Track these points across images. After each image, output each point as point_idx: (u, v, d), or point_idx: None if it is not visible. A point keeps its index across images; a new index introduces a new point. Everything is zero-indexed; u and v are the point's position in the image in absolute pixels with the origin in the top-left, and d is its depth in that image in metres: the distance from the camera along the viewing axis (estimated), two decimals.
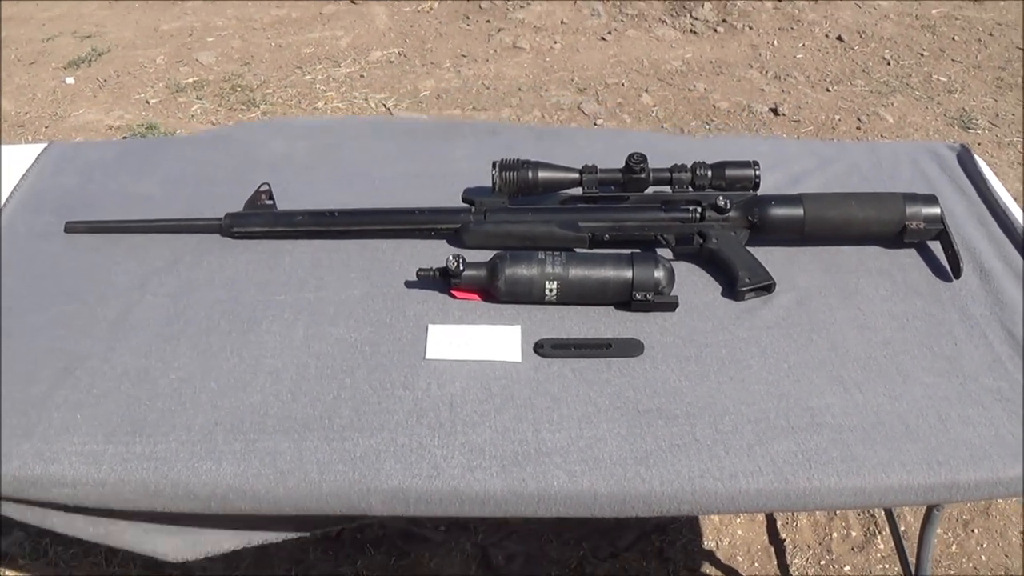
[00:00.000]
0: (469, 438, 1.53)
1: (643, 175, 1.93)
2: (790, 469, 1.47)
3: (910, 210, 1.89)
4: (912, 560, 2.12)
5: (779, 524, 2.70)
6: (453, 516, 1.49)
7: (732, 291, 1.82)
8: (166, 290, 1.85)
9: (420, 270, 1.79)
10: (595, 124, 4.48)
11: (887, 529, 2.64)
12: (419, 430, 1.54)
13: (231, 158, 2.29)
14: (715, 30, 5.34)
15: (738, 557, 2.64)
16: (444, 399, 1.60)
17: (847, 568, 2.62)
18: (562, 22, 5.48)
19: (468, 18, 5.57)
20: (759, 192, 1.96)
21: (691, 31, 5.36)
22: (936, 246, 1.93)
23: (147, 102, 4.82)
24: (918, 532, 2.04)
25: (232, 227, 1.98)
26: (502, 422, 1.56)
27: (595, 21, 5.44)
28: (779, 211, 1.90)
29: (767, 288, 1.82)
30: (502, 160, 1.95)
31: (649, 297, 1.74)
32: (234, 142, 2.37)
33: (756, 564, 2.62)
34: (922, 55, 5.06)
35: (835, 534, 2.68)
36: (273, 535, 1.62)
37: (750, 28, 5.35)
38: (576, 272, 1.75)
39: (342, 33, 5.44)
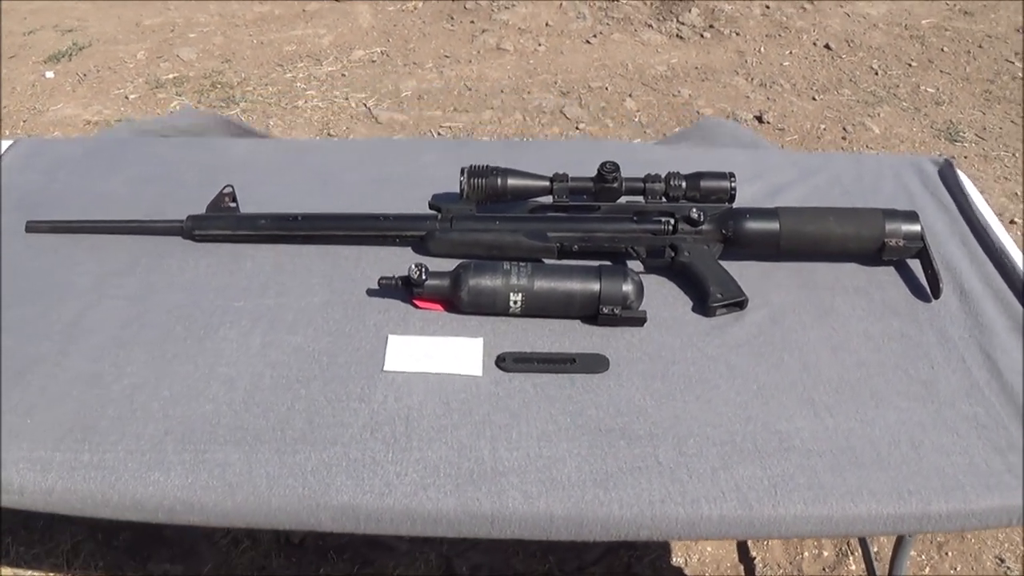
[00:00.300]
0: (424, 454, 1.48)
1: (615, 184, 1.89)
2: (755, 495, 1.42)
3: (890, 227, 1.84)
4: None
5: (750, 543, 2.66)
6: (405, 535, 1.43)
7: (703, 307, 1.77)
8: (124, 293, 1.80)
9: (382, 278, 1.74)
10: (577, 128, 4.44)
11: (860, 550, 2.59)
12: (373, 445, 1.49)
13: (199, 158, 2.25)
14: (702, 36, 5.30)
15: (707, 575, 2.58)
16: (400, 413, 1.55)
17: None
18: (547, 24, 5.44)
19: (452, 18, 5.53)
20: (735, 204, 1.90)
21: (677, 36, 5.32)
22: (916, 264, 1.88)
23: (126, 97, 4.77)
24: (890, 554, 1.99)
25: (193, 230, 1.93)
26: (459, 438, 1.51)
27: (580, 24, 5.40)
28: (754, 225, 1.85)
29: (739, 304, 1.77)
30: (471, 166, 1.90)
31: (616, 311, 1.69)
32: (202, 142, 2.33)
33: None
34: (910, 65, 5.02)
35: (807, 553, 2.63)
36: None
37: (737, 34, 5.32)
38: (542, 284, 1.70)
39: (325, 31, 5.40)
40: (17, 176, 2.17)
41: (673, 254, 1.85)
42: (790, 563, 2.62)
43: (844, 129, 4.45)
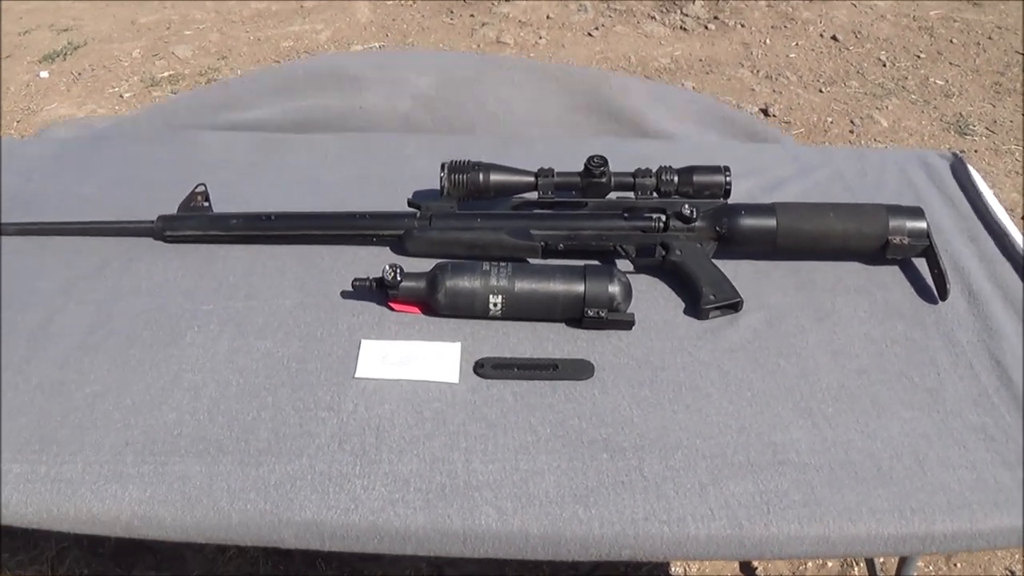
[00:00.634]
0: (394, 467, 1.40)
1: (603, 179, 1.80)
2: (745, 513, 1.33)
3: (893, 223, 1.75)
4: None
5: None
6: (372, 553, 1.35)
7: (695, 309, 1.68)
8: (92, 297, 1.73)
9: (356, 280, 1.66)
10: None
11: (864, 561, 2.50)
12: (340, 457, 1.41)
13: (173, 157, 2.18)
14: (706, 27, 5.22)
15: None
16: (371, 423, 1.47)
17: None
18: (548, 17, 5.36)
19: (451, 12, 5.45)
20: (731, 200, 1.81)
21: (681, 28, 5.24)
22: (922, 263, 1.79)
23: (121, 96, 4.72)
24: (896, 566, 1.91)
25: (164, 230, 1.86)
26: (431, 450, 1.42)
27: (582, 16, 5.32)
28: (750, 221, 1.76)
29: (733, 306, 1.68)
30: (451, 161, 1.81)
31: (602, 314, 1.60)
32: (177, 140, 2.25)
33: None
34: (919, 57, 4.93)
35: (810, 563, 2.54)
36: None
37: (742, 26, 5.23)
38: (523, 285, 1.61)
39: (323, 26, 5.33)
40: None
41: (664, 253, 1.76)
42: (792, 573, 2.54)
43: (851, 122, 4.37)
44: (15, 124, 4.53)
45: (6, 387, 1.54)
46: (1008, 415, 1.50)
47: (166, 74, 4.90)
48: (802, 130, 4.31)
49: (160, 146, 2.24)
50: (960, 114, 4.47)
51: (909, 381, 1.56)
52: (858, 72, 4.81)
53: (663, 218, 1.78)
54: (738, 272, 1.75)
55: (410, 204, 1.84)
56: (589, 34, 5.22)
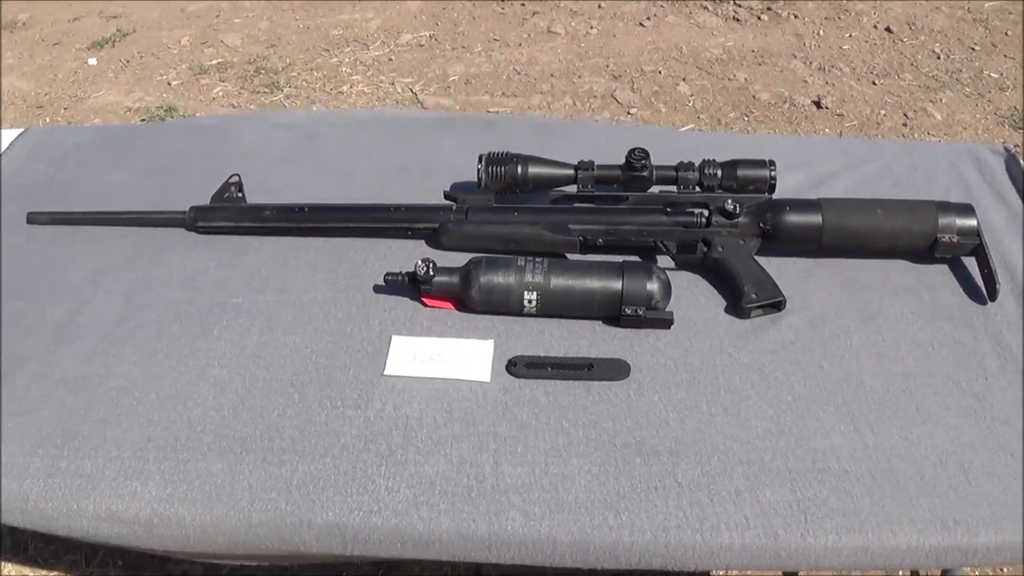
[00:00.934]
0: (420, 468, 1.36)
1: (645, 173, 1.75)
2: (782, 522, 1.28)
3: (943, 221, 1.69)
4: None
5: None
6: (395, 557, 1.31)
7: (736, 307, 1.63)
8: (121, 288, 1.72)
9: (388, 274, 1.62)
10: (628, 113, 4.31)
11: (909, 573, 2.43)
12: (365, 457, 1.38)
13: (207, 147, 2.15)
14: (759, 18, 5.14)
15: None
16: (398, 422, 1.44)
17: None
18: (599, 6, 5.30)
19: (503, 1, 5.40)
20: (776, 195, 1.75)
21: (734, 18, 5.16)
22: (971, 262, 1.72)
23: (169, 84, 4.71)
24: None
25: (197, 221, 1.83)
26: (459, 451, 1.39)
27: (634, 6, 5.25)
28: (794, 218, 1.70)
29: (776, 305, 1.63)
30: (489, 153, 1.77)
31: (640, 312, 1.56)
32: (211, 130, 2.22)
33: None
34: (973, 49, 4.83)
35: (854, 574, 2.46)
36: None
37: (795, 17, 5.15)
38: (558, 282, 1.57)
39: (373, 15, 5.30)
40: (23, 166, 2.10)
41: (706, 249, 1.71)
42: None
43: (905, 115, 4.28)
44: (63, 111, 4.54)
45: (31, 379, 1.53)
46: None
47: (214, 62, 4.89)
48: (855, 123, 4.23)
49: (193, 136, 2.22)
50: (1015, 107, 4.36)
51: (956, 386, 1.50)
52: (912, 64, 4.71)
53: (705, 213, 1.73)
54: (782, 270, 1.70)
55: (446, 196, 1.80)
56: (641, 24, 5.16)
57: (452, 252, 1.74)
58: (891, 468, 1.36)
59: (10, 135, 2.19)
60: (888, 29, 4.99)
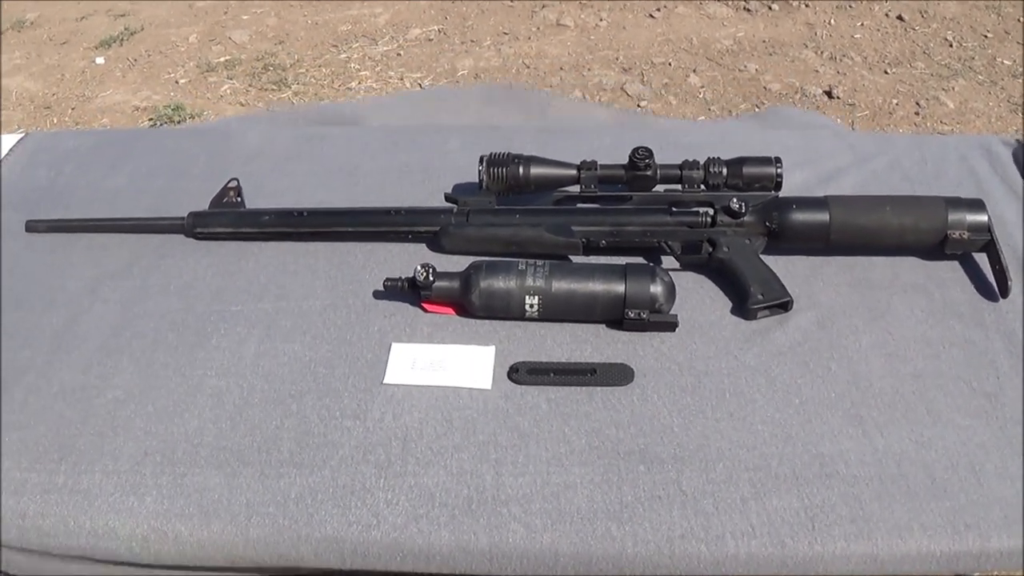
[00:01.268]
0: (419, 480, 1.34)
1: (649, 172, 1.72)
2: (789, 530, 1.26)
3: (953, 217, 1.65)
4: None
5: None
6: (395, 571, 1.28)
7: (742, 308, 1.60)
8: (118, 296, 1.70)
9: (388, 280, 1.60)
10: (639, 106, 4.28)
11: None
12: (364, 469, 1.36)
13: (207, 151, 2.12)
14: (769, 7, 5.10)
15: None
16: (397, 432, 1.42)
17: None
18: None
19: None
20: (783, 192, 1.72)
21: (744, 8, 5.11)
22: (983, 259, 1.69)
23: (176, 82, 4.69)
24: None
25: (195, 227, 1.81)
26: (459, 462, 1.37)
27: None
28: (801, 216, 1.67)
29: (783, 306, 1.60)
30: (490, 155, 1.74)
31: (644, 316, 1.53)
32: (212, 133, 2.20)
33: None
34: (986, 37, 4.78)
35: None
36: None
37: (806, 6, 5.10)
38: (560, 285, 1.54)
39: (381, 9, 5.27)
40: (23, 172, 2.08)
41: (711, 249, 1.68)
42: None
43: (917, 104, 4.24)
44: (70, 111, 4.52)
45: (28, 391, 1.52)
46: None
47: (222, 59, 4.87)
48: (867, 112, 4.19)
49: (194, 138, 2.21)
50: None
51: (967, 386, 1.48)
52: (924, 52, 4.67)
53: (710, 213, 1.70)
54: (788, 269, 1.67)
55: (447, 199, 1.78)
56: (651, 15, 5.12)
57: (453, 256, 1.72)
58: (901, 472, 1.34)
59: (10, 140, 2.17)
60: (900, 17, 4.94)
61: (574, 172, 1.74)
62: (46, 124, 4.35)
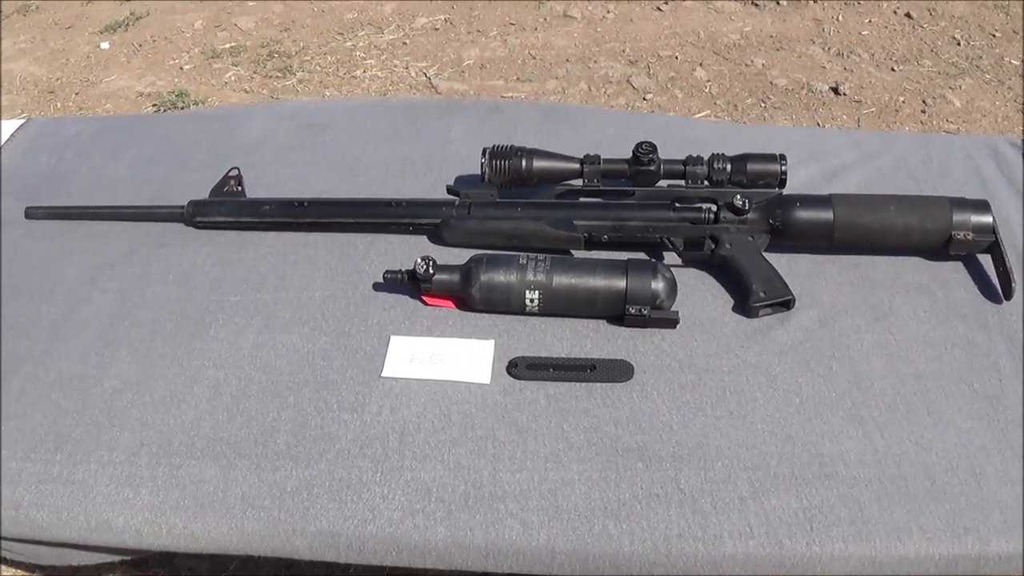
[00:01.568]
0: (416, 475, 1.34)
1: (652, 167, 1.71)
2: (787, 531, 1.25)
3: (957, 218, 1.64)
4: None
5: None
6: (391, 566, 1.28)
7: (744, 306, 1.60)
8: (117, 285, 1.69)
9: (387, 272, 1.59)
10: (644, 99, 4.26)
11: None
12: (360, 463, 1.35)
13: (208, 139, 2.11)
14: (778, 2, 5.08)
15: None
16: (395, 426, 1.41)
17: None
18: None
19: None
20: (787, 190, 1.71)
21: (752, 3, 5.09)
22: (987, 260, 1.67)
23: (181, 68, 4.68)
24: None
25: (195, 216, 1.80)
26: (456, 457, 1.36)
27: None
28: (805, 214, 1.66)
29: (785, 304, 1.59)
30: (493, 147, 1.73)
31: (645, 312, 1.52)
32: (214, 121, 2.19)
33: None
34: (994, 36, 4.76)
35: None
36: None
37: (815, 2, 5.08)
38: (561, 280, 1.53)
39: None
40: (23, 158, 2.07)
41: (713, 246, 1.67)
42: None
43: (924, 102, 4.22)
44: (74, 96, 4.51)
45: (26, 380, 1.51)
46: None
47: (227, 46, 4.85)
48: (873, 109, 4.17)
49: (196, 126, 2.18)
50: None
51: (968, 388, 1.47)
52: (931, 50, 4.65)
53: (714, 209, 1.69)
54: (791, 267, 1.66)
55: (449, 191, 1.77)
56: (658, 8, 5.10)
57: (454, 248, 1.71)
58: (900, 474, 1.33)
59: (11, 125, 2.17)
60: (908, 15, 4.93)
61: (577, 166, 1.74)
62: (50, 109, 4.34)
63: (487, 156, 1.73)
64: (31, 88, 4.53)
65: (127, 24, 5.06)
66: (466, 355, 1.52)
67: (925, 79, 4.32)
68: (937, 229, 1.65)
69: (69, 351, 1.56)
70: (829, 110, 4.11)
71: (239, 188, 1.82)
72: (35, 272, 1.73)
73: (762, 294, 1.58)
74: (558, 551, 1.25)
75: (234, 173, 1.84)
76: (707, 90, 4.31)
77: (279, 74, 4.50)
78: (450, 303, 1.60)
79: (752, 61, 4.51)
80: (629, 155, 1.73)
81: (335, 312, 1.61)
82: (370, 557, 1.29)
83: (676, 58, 4.55)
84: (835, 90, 4.25)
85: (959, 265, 1.69)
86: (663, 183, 1.74)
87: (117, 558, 1.42)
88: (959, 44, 4.61)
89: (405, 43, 4.77)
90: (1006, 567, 1.27)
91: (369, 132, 2.12)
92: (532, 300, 1.54)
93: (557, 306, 1.55)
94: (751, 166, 1.70)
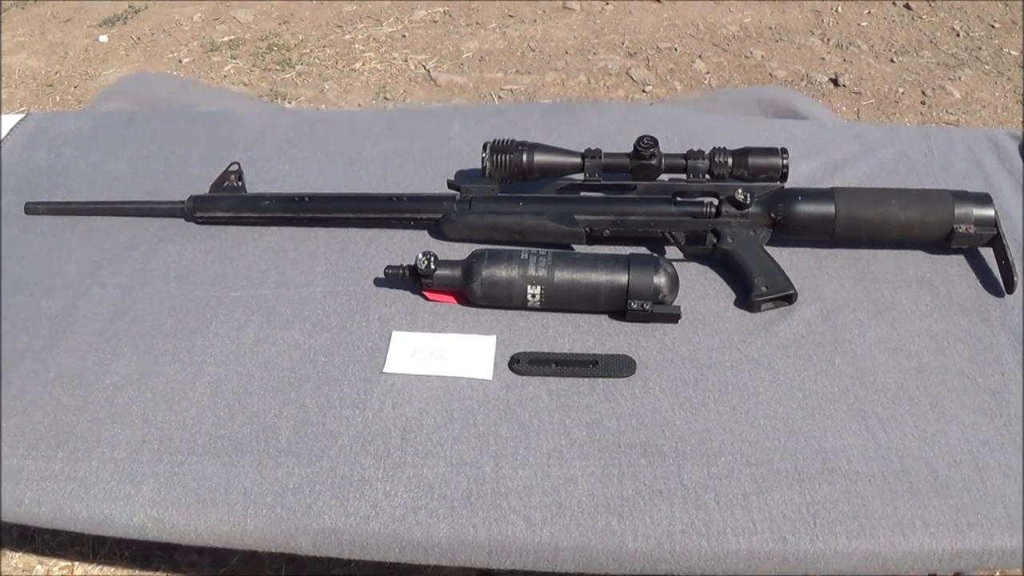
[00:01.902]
0: (418, 471, 1.33)
1: (653, 161, 1.70)
2: (790, 527, 1.25)
3: (959, 211, 1.64)
4: None
5: None
6: (393, 562, 1.28)
7: (746, 301, 1.59)
8: (117, 281, 1.69)
9: (388, 267, 1.59)
10: (643, 91, 4.26)
11: None
12: (363, 460, 1.35)
13: (209, 134, 2.11)
14: None
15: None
16: (397, 422, 1.40)
17: None
18: None
19: None
20: (789, 183, 1.71)
21: None
22: (989, 253, 1.67)
23: (180, 61, 4.68)
24: None
25: (195, 211, 1.80)
26: (459, 453, 1.36)
27: None
28: (807, 208, 1.66)
29: (787, 298, 1.59)
30: (494, 141, 1.73)
31: (647, 307, 1.52)
32: (212, 116, 2.18)
33: None
34: (993, 27, 4.75)
35: None
36: None
37: None
38: (563, 275, 1.53)
39: None
40: (23, 153, 2.07)
41: (715, 240, 1.66)
42: None
43: (923, 93, 4.22)
44: (72, 89, 4.51)
45: (26, 377, 1.51)
46: None
47: (226, 39, 4.85)
48: (872, 101, 4.17)
49: (195, 122, 2.18)
50: None
51: (971, 382, 1.46)
52: (931, 42, 4.64)
53: (715, 203, 1.69)
54: (794, 260, 1.66)
55: (450, 186, 1.76)
56: (658, 0, 5.10)
57: (455, 243, 1.71)
58: (903, 469, 1.33)
59: (11, 120, 2.17)
60: (907, 6, 4.92)
61: (578, 160, 1.73)
62: (49, 102, 4.34)
63: (488, 151, 1.72)
64: (30, 81, 4.53)
65: (125, 17, 5.06)
66: (468, 351, 1.51)
67: (924, 70, 4.32)
68: (939, 222, 1.65)
69: (69, 347, 1.56)
70: (829, 101, 4.10)
71: (239, 183, 1.82)
72: (36, 267, 1.72)
73: (764, 288, 1.58)
74: (561, 547, 1.25)
75: (234, 168, 1.84)
76: (706, 82, 4.31)
77: (278, 67, 4.50)
78: (451, 298, 1.60)
79: (751, 53, 4.51)
80: (630, 149, 1.71)
81: (336, 308, 1.61)
82: (373, 554, 1.28)
83: (675, 50, 4.55)
84: (834, 81, 4.24)
85: (961, 259, 1.69)
86: (664, 177, 1.74)
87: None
88: (958, 35, 4.60)
89: (404, 36, 4.77)
90: (1009, 562, 1.26)
91: (368, 128, 2.12)
92: (534, 295, 1.54)
93: (559, 301, 1.55)
94: (753, 160, 1.70)
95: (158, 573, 2.39)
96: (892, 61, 4.39)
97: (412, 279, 1.59)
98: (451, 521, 1.27)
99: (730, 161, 1.70)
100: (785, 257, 1.65)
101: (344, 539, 1.28)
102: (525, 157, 1.71)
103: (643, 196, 1.72)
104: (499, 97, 4.20)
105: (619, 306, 1.54)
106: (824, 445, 1.36)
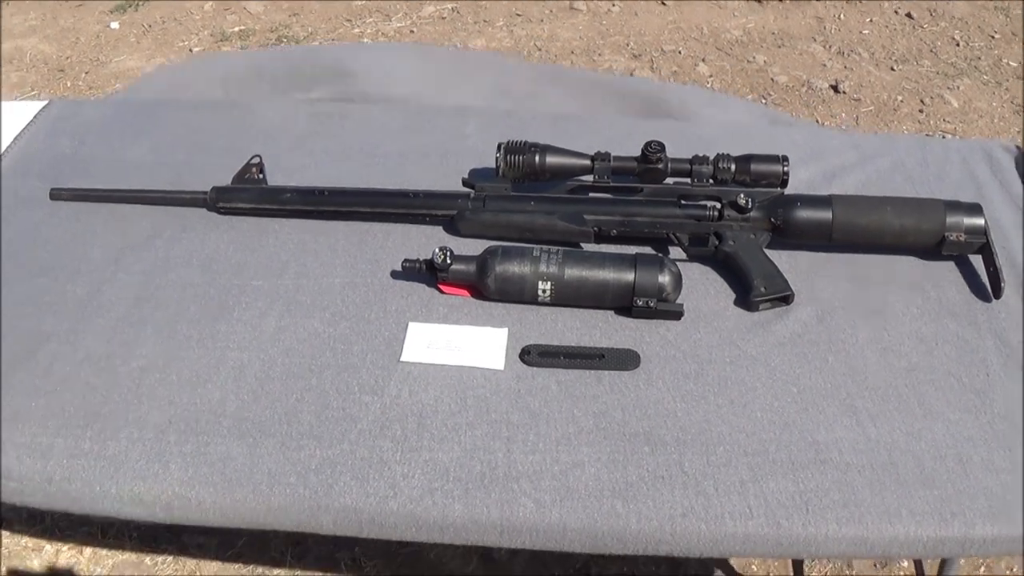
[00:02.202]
0: (434, 455, 1.39)
1: (660, 165, 1.77)
2: (784, 512, 1.32)
3: (951, 220, 1.71)
4: None
5: None
6: (410, 540, 1.35)
7: (746, 300, 1.66)
8: (141, 267, 1.74)
9: (406, 261, 1.65)
10: None
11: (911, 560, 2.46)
12: (381, 443, 1.41)
13: (229, 125, 2.16)
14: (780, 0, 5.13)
15: (752, 565, 2.49)
16: (414, 409, 1.47)
17: None
18: None
19: None
20: (789, 188, 1.78)
21: None
22: (978, 261, 1.74)
23: (190, 50, 4.73)
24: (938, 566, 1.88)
25: (217, 202, 1.85)
26: (472, 439, 1.42)
27: None
28: (805, 213, 1.72)
29: (784, 299, 1.66)
30: (508, 142, 1.79)
31: (651, 304, 1.59)
32: (234, 107, 2.24)
33: (771, 573, 2.47)
34: (993, 37, 4.81)
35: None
36: None
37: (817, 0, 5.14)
38: (573, 272, 1.60)
39: None
40: (46, 140, 2.12)
41: (717, 242, 1.73)
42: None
43: (922, 101, 4.28)
44: (84, 75, 4.55)
45: (53, 358, 1.56)
46: None
47: (236, 29, 4.90)
48: (872, 108, 4.23)
49: (216, 113, 2.23)
50: None
51: (958, 382, 1.53)
52: (931, 51, 4.70)
53: (718, 207, 1.75)
54: (793, 263, 1.72)
55: (464, 184, 1.82)
56: (663, 3, 5.15)
57: (469, 239, 1.77)
58: (891, 461, 1.39)
59: (34, 107, 2.21)
60: (909, 15, 4.98)
61: (588, 162, 1.79)
62: (60, 88, 4.38)
63: (502, 151, 1.78)
64: (41, 66, 4.57)
65: (137, 5, 5.10)
66: (481, 342, 1.58)
67: (924, 79, 4.37)
68: (931, 230, 1.71)
69: (95, 330, 1.61)
70: (828, 108, 4.16)
71: (261, 175, 1.88)
72: (60, 252, 1.77)
73: (763, 289, 1.65)
74: (569, 528, 1.32)
75: (256, 161, 1.89)
76: (709, 85, 4.36)
77: None
78: (465, 292, 1.66)
79: (754, 57, 4.56)
80: (638, 153, 1.78)
81: (355, 299, 1.67)
82: (391, 532, 1.35)
83: (679, 53, 4.60)
84: (835, 88, 4.30)
85: (951, 265, 1.76)
86: (670, 181, 1.80)
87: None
88: (958, 45, 4.66)
89: (412, 31, 4.81)
90: (990, 550, 1.34)
91: (384, 123, 2.18)
92: (544, 291, 1.60)
93: (568, 297, 1.62)
94: (755, 166, 1.76)
95: (166, 555, 2.43)
96: (892, 69, 4.45)
97: (428, 273, 1.65)
98: (465, 502, 1.33)
99: (733, 167, 1.76)
100: (784, 260, 1.71)
101: (364, 518, 1.34)
102: (538, 158, 1.78)
103: (649, 198, 1.79)
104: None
105: (625, 303, 1.61)
106: (817, 437, 1.43)
